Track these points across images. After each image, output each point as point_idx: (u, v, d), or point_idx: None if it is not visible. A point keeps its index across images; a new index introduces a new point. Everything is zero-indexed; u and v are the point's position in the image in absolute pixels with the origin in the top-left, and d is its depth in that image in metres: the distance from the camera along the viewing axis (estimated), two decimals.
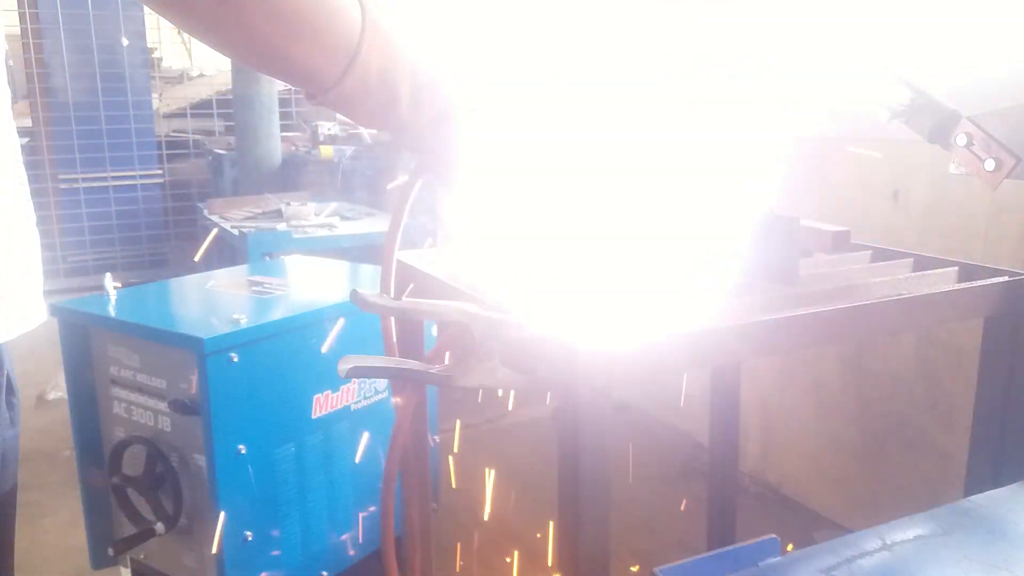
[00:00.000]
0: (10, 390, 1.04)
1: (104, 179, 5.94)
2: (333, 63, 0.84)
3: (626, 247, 1.16)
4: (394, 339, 1.17)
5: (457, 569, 2.25)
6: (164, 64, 7.66)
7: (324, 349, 1.84)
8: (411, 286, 1.30)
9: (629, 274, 1.14)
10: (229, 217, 4.23)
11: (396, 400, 1.19)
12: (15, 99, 5.20)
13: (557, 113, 1.13)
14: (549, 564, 2.13)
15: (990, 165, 1.24)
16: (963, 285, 1.26)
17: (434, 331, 1.88)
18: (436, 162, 0.98)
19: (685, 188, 1.20)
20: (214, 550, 1.79)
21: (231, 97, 5.65)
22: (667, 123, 1.33)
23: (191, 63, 8.29)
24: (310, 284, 2.40)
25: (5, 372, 1.02)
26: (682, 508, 1.82)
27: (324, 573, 2.10)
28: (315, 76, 0.85)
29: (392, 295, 1.14)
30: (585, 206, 1.14)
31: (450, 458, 2.23)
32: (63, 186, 5.81)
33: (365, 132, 5.21)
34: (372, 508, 2.19)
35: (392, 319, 1.17)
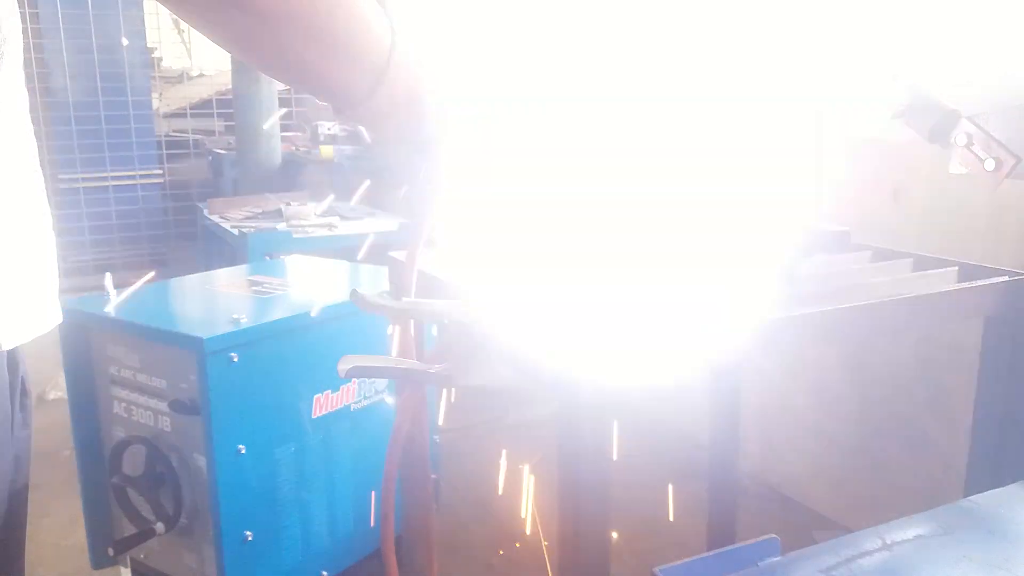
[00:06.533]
0: (24, 392, 1.04)
1: (104, 179, 5.94)
2: (364, 78, 0.83)
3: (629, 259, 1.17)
4: (412, 344, 1.15)
5: (457, 569, 2.25)
6: (164, 64, 7.64)
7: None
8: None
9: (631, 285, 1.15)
10: (229, 217, 4.23)
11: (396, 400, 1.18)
12: None
13: (566, 128, 1.13)
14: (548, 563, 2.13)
15: (990, 165, 1.24)
16: (963, 285, 1.26)
17: (434, 331, 1.88)
18: (455, 173, 0.98)
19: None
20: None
21: (231, 97, 5.65)
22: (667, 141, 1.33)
23: (191, 63, 8.28)
24: (310, 284, 2.40)
25: (20, 375, 1.02)
26: (682, 508, 1.82)
27: (324, 573, 2.10)
28: (346, 91, 0.84)
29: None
30: (591, 223, 1.14)
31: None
32: (63, 186, 5.81)
33: (365, 132, 5.20)
34: (372, 508, 2.19)
35: (411, 324, 1.16)
